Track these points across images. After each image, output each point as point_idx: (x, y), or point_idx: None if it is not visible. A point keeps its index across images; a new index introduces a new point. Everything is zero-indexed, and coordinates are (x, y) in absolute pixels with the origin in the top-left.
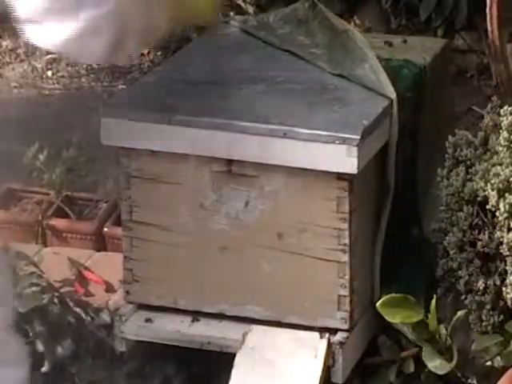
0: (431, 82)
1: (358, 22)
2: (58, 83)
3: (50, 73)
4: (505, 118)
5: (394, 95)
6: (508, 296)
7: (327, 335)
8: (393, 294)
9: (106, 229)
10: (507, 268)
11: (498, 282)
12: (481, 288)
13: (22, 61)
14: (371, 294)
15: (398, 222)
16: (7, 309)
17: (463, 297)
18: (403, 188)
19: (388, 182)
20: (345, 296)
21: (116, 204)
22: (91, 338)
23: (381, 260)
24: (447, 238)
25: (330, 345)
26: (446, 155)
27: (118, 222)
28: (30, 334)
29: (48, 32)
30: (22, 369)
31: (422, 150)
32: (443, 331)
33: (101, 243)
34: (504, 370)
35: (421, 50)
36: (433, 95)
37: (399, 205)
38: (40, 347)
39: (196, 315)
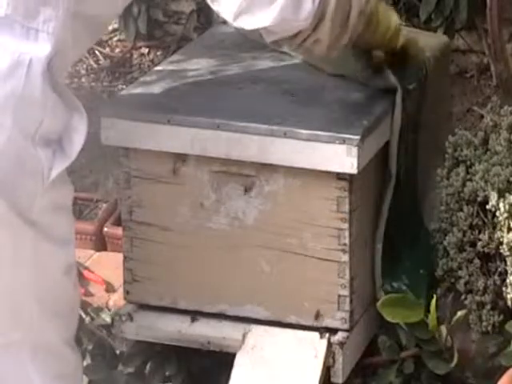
0: (432, 76)
1: None
2: None
3: None
4: (505, 118)
5: (397, 84)
6: (508, 296)
7: (327, 335)
8: (393, 294)
9: (106, 229)
10: (507, 268)
11: (498, 282)
12: (481, 288)
13: None
14: (371, 293)
15: (399, 218)
16: (72, 322)
17: (463, 297)
18: (404, 183)
19: (390, 169)
20: (345, 296)
21: (116, 204)
22: (91, 338)
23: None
24: (447, 237)
25: (330, 345)
26: (446, 155)
27: (118, 222)
28: None
29: (258, 16)
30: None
31: (423, 147)
32: (443, 331)
33: (101, 243)
34: (504, 369)
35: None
36: (434, 90)
37: (400, 202)
38: None
39: (196, 315)
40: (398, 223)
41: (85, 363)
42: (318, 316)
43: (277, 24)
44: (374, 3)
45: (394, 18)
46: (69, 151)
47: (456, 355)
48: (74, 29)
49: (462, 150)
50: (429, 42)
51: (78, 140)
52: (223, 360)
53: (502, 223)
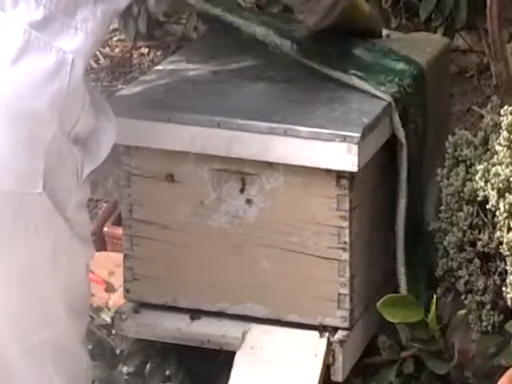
0: (431, 77)
1: None
2: None
3: None
4: (505, 118)
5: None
6: (508, 296)
7: (327, 334)
8: (393, 294)
9: (106, 228)
10: (507, 268)
11: (497, 282)
12: (481, 288)
13: None
14: (372, 291)
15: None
16: (85, 321)
17: (463, 297)
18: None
19: (399, 138)
20: (345, 294)
21: (116, 204)
22: (91, 338)
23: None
24: (447, 237)
25: (329, 343)
26: (446, 155)
27: (118, 222)
28: None
29: None
30: None
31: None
32: (443, 331)
33: (101, 243)
34: (504, 369)
35: (421, 46)
36: (433, 90)
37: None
38: None
39: (196, 313)
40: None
41: None
42: (317, 314)
43: None
44: None
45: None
46: (96, 153)
47: (456, 355)
48: (104, 26)
49: (461, 150)
50: (428, 42)
51: (106, 143)
52: (223, 359)
53: (502, 223)
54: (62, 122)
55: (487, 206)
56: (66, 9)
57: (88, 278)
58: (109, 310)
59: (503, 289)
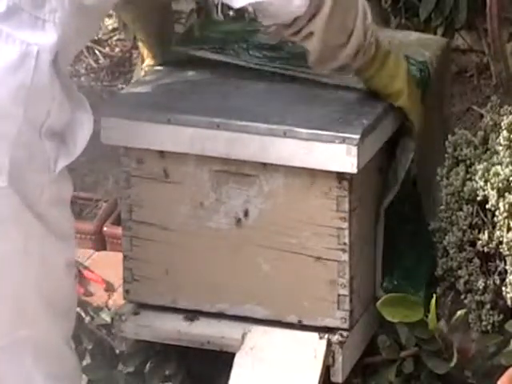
0: (434, 76)
1: None
2: None
3: None
4: (504, 118)
5: None
6: (508, 295)
7: (327, 335)
8: (393, 294)
9: (105, 228)
10: (507, 267)
11: (497, 282)
12: (480, 287)
13: None
14: (371, 292)
15: (400, 213)
16: (70, 321)
17: (463, 296)
18: (405, 181)
19: (397, 175)
20: (344, 295)
21: (116, 203)
22: (91, 338)
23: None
24: (447, 237)
25: (329, 344)
26: (446, 154)
27: (117, 222)
28: None
29: None
30: None
31: (424, 146)
32: (443, 331)
33: (101, 243)
34: (504, 369)
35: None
36: (436, 89)
37: (401, 198)
38: None
39: (196, 314)
40: (399, 218)
41: (85, 363)
42: (317, 315)
43: (270, 2)
44: (382, 52)
45: (398, 84)
46: (72, 146)
47: (456, 355)
48: (76, 19)
49: (461, 150)
50: (429, 42)
51: (82, 136)
52: (223, 360)
53: (502, 223)
54: (30, 116)
55: (487, 206)
56: (34, 0)
57: (72, 278)
58: (109, 309)
59: (503, 288)
